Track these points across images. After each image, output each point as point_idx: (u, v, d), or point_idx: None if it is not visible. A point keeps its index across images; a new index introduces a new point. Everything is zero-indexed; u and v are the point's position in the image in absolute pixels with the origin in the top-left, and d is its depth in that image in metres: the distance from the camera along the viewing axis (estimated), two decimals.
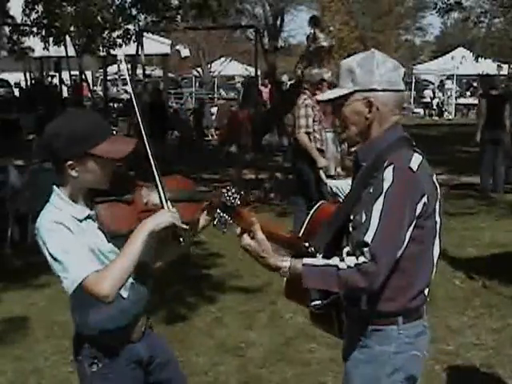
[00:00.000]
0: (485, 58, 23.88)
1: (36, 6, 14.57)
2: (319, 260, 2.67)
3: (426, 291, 2.81)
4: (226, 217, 2.72)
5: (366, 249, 2.55)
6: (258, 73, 19.69)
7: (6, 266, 8.01)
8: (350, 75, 2.75)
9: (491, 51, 26.57)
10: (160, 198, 2.80)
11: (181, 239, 2.77)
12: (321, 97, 2.99)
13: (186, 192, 2.95)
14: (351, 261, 2.57)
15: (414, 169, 2.62)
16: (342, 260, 2.60)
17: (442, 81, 34.15)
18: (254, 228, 2.69)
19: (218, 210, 2.74)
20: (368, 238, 2.55)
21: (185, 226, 2.73)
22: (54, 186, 2.82)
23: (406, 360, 2.79)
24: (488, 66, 23.89)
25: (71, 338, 3.04)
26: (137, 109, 3.00)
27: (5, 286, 7.29)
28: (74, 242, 2.68)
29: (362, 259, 2.56)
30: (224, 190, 2.76)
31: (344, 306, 2.86)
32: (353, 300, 2.78)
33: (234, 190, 2.75)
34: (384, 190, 2.58)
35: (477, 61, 22.47)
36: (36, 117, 18.66)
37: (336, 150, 10.70)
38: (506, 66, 25.38)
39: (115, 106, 25.37)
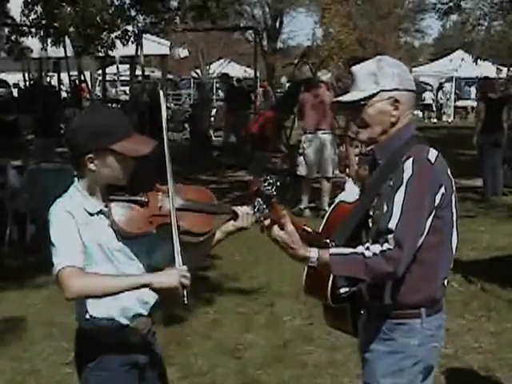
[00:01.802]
0: (484, 61, 23.90)
1: (35, 7, 14.55)
2: (345, 249, 2.75)
3: (446, 282, 2.93)
4: (264, 206, 2.79)
5: (390, 235, 2.66)
6: (258, 74, 19.70)
7: (4, 266, 8.00)
8: (372, 77, 2.87)
9: (490, 54, 26.57)
10: (173, 251, 2.76)
11: (184, 298, 2.71)
12: (343, 98, 3.01)
13: (203, 204, 2.96)
14: (376, 248, 2.67)
15: (432, 161, 2.77)
16: (367, 248, 2.69)
17: (440, 83, 34.15)
18: (284, 220, 2.77)
19: (258, 199, 2.79)
20: (392, 225, 2.67)
21: (186, 283, 2.70)
22: (75, 178, 2.87)
23: (427, 352, 2.93)
24: (487, 69, 23.88)
25: (69, 339, 3.06)
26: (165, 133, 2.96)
27: (3, 286, 7.28)
28: (72, 232, 2.73)
29: (386, 246, 2.66)
30: (262, 179, 2.80)
31: (366, 301, 2.94)
32: (376, 294, 2.87)
33: (271, 181, 2.79)
34: (405, 181, 2.71)
35: (476, 63, 22.49)
36: (35, 117, 18.62)
37: (334, 152, 10.73)
38: (505, 69, 25.39)
39: (114, 106, 25.35)
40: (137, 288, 2.72)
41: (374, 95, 2.86)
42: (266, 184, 2.78)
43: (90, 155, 2.75)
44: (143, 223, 2.82)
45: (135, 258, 2.90)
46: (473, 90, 33.00)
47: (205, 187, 3.13)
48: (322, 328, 5.71)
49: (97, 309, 2.85)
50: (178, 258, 2.73)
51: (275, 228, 2.78)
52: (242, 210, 2.96)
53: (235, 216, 2.99)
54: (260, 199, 2.79)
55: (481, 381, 5.09)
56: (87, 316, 2.87)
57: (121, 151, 2.75)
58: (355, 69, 2.95)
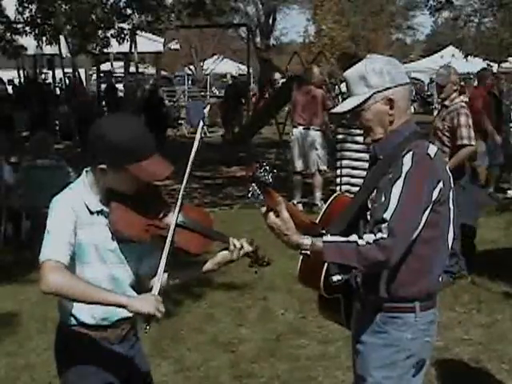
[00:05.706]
0: (474, 57, 23.96)
1: (30, 5, 14.54)
2: (339, 237, 2.77)
3: (441, 278, 2.96)
4: (259, 192, 2.78)
5: (384, 225, 2.68)
6: (251, 71, 19.74)
7: None
8: (363, 81, 2.88)
9: (481, 50, 26.61)
10: (157, 272, 2.79)
11: (148, 327, 2.73)
12: (339, 109, 3.04)
13: (202, 226, 3.03)
14: (370, 237, 2.69)
15: (432, 155, 2.80)
16: (361, 237, 2.72)
17: (431, 79, 34.18)
18: (280, 207, 2.79)
19: (253, 184, 2.79)
20: (387, 215, 2.69)
21: (159, 316, 2.68)
22: (84, 171, 2.87)
23: (419, 346, 2.95)
24: (477, 65, 23.90)
25: None
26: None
27: None
28: (68, 228, 2.72)
29: (379, 235, 2.68)
30: (258, 166, 2.80)
31: (360, 293, 2.98)
32: (371, 287, 2.90)
33: (267, 168, 2.79)
34: (403, 173, 2.74)
35: (466, 59, 22.56)
36: (29, 114, 18.62)
37: (322, 148, 10.76)
38: (495, 65, 25.46)
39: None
40: (111, 305, 2.69)
41: (367, 99, 2.87)
42: (262, 170, 2.77)
43: (103, 166, 2.74)
44: (139, 229, 2.83)
45: (125, 262, 2.91)
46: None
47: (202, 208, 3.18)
48: (315, 321, 5.78)
49: (82, 309, 2.84)
50: (157, 285, 2.76)
51: (270, 215, 2.80)
52: (236, 243, 3.03)
53: (227, 247, 3.06)
54: (255, 185, 2.78)
55: (471, 372, 5.13)
56: (70, 312, 2.87)
57: (135, 174, 2.73)
58: (347, 74, 2.97)
